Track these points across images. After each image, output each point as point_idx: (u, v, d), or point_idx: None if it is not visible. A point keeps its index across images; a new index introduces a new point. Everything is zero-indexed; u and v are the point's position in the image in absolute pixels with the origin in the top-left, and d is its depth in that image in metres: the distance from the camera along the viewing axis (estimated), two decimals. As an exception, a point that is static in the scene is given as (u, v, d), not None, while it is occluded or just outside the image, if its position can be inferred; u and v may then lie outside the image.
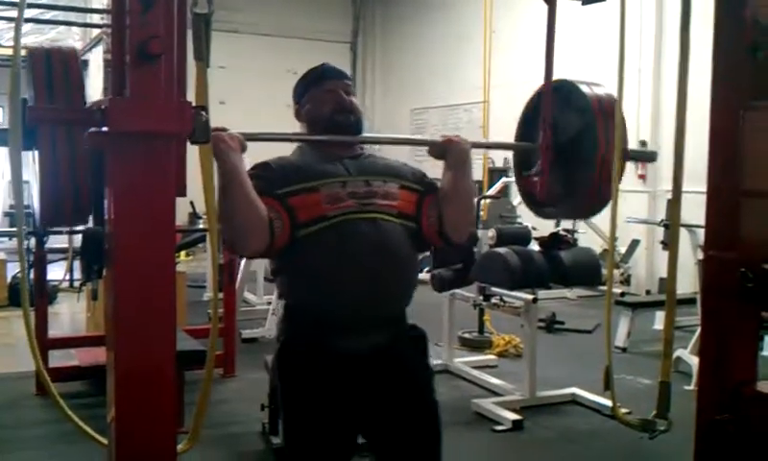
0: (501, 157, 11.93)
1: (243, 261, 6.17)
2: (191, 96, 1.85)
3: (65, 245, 6.90)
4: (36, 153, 2.04)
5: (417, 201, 2.38)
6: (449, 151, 2.46)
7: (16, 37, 1.72)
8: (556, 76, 3.08)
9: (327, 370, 2.25)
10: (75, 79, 2.04)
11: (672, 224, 2.76)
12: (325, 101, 2.41)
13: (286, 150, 2.49)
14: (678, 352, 5.77)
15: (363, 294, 2.22)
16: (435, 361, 6.18)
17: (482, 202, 6.86)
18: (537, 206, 3.04)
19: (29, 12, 8.02)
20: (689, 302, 6.09)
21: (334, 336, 2.25)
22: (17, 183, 1.88)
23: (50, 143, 1.91)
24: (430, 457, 2.41)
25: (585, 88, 2.81)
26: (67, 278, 8.11)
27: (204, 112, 1.73)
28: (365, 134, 2.49)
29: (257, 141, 2.36)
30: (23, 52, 1.92)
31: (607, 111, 2.72)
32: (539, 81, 3.14)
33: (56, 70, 2.08)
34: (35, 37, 11.72)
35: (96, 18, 10.25)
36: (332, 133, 2.38)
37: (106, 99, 1.74)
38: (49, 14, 11.09)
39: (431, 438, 2.41)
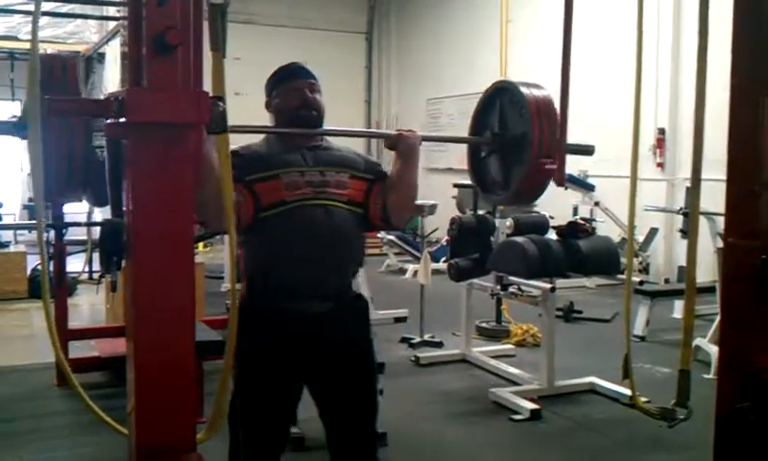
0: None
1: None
2: (207, 86, 1.87)
3: (84, 237, 6.95)
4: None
5: (365, 189, 2.73)
6: (399, 144, 2.77)
7: (34, 31, 1.73)
8: (573, 64, 3.07)
9: (276, 326, 2.59)
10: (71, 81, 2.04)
11: (692, 212, 2.75)
12: (292, 97, 2.71)
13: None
14: (697, 341, 5.73)
15: (312, 267, 2.58)
16: (453, 351, 6.20)
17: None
18: (486, 191, 3.37)
19: (45, 6, 8.04)
20: (709, 290, 6.04)
21: (285, 300, 2.58)
22: (38, 174, 1.89)
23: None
24: (365, 408, 2.74)
25: (524, 90, 3.04)
26: (86, 270, 8.17)
27: (220, 102, 1.75)
28: (325, 128, 2.76)
29: (242, 132, 2.60)
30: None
31: (542, 112, 2.97)
32: (555, 68, 3.13)
33: (55, 73, 2.09)
34: (51, 31, 11.79)
35: (112, 11, 10.29)
36: (296, 125, 2.70)
37: (123, 90, 1.75)
38: (66, 8, 11.13)
39: (367, 392, 2.74)
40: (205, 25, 1.87)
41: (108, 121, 1.70)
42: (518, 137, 3.05)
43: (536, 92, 3.02)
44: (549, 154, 2.92)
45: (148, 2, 1.60)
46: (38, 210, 1.94)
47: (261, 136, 2.80)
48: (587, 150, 3.19)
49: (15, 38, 12.12)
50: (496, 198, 3.38)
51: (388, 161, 2.90)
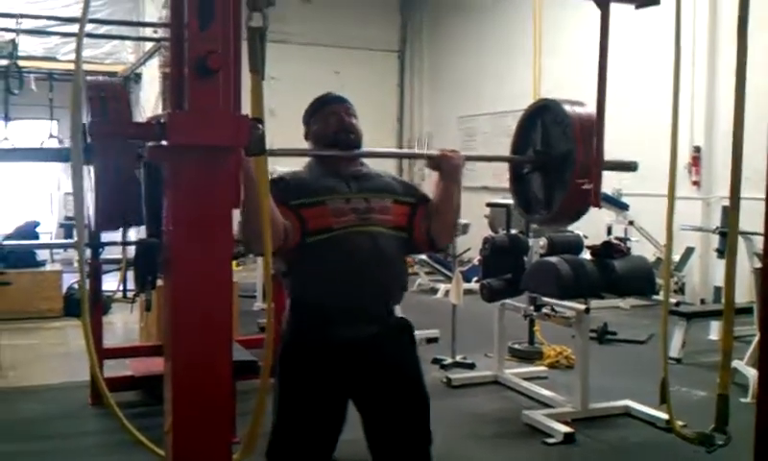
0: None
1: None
2: (245, 107, 1.90)
3: (119, 256, 7.02)
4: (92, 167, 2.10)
5: (409, 213, 2.78)
6: (443, 164, 2.81)
7: (78, 53, 1.75)
8: (609, 81, 3.05)
9: (322, 354, 2.61)
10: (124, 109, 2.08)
11: (730, 233, 2.71)
12: (329, 122, 2.76)
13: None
14: (734, 364, 5.63)
15: (357, 293, 2.61)
16: (485, 372, 6.15)
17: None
18: (528, 212, 3.37)
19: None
20: (746, 311, 5.95)
21: (331, 327, 2.61)
22: (79, 195, 1.92)
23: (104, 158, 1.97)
24: (418, 427, 2.74)
25: (567, 108, 3.03)
26: (121, 288, 8.24)
27: (260, 125, 1.77)
28: (364, 149, 2.81)
29: (281, 156, 2.69)
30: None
31: (586, 130, 2.98)
32: (590, 84, 3.11)
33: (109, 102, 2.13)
34: (89, 51, 12.01)
35: (149, 32, 10.46)
36: (334, 150, 2.74)
37: (164, 113, 1.77)
38: (103, 29, 11.34)
39: (419, 410, 2.74)
40: (244, 46, 1.89)
41: (150, 144, 1.72)
42: (562, 156, 3.04)
43: (579, 110, 3.01)
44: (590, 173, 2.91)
45: (190, 26, 1.62)
46: (79, 230, 1.97)
47: (302, 162, 2.87)
48: (628, 166, 3.18)
49: (54, 59, 12.37)
50: (537, 218, 3.37)
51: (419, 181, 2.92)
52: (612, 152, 3.09)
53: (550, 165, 3.12)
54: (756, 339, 5.69)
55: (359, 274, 2.60)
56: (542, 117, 3.20)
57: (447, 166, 2.80)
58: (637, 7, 3.05)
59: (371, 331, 2.66)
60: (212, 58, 1.60)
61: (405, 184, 2.91)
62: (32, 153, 4.10)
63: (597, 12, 2.95)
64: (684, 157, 9.37)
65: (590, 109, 3.03)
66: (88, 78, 2.25)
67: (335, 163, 2.77)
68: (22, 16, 7.83)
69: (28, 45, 10.92)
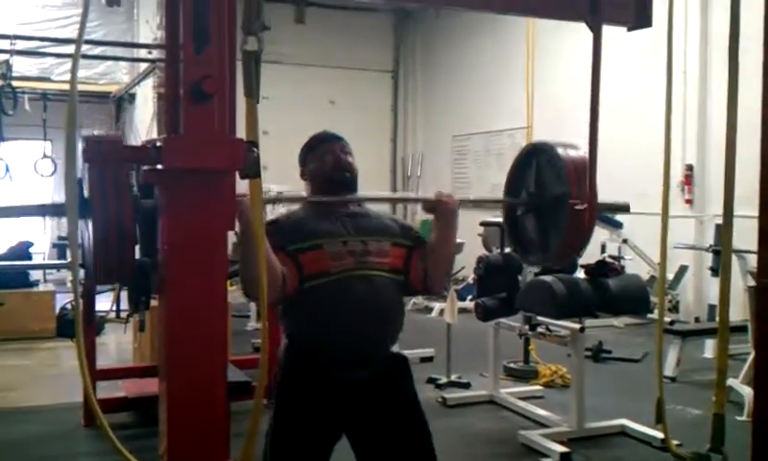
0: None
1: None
2: (240, 128, 1.90)
3: (113, 276, 6.99)
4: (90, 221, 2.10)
5: (406, 255, 2.77)
6: (438, 209, 2.82)
7: (73, 74, 1.75)
8: (601, 100, 3.07)
9: (319, 391, 2.62)
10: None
11: (723, 252, 2.71)
12: (325, 160, 2.77)
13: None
14: (729, 382, 5.62)
15: (354, 338, 2.61)
16: (480, 391, 6.14)
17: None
18: (525, 252, 3.40)
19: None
20: (740, 329, 5.95)
21: (328, 368, 2.62)
22: (72, 217, 1.91)
23: (101, 209, 1.96)
24: (424, 455, 2.74)
25: (560, 151, 3.09)
26: (114, 308, 8.21)
27: (255, 149, 1.77)
28: (363, 194, 2.83)
29: (278, 203, 2.83)
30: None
31: (580, 174, 3.02)
32: (582, 104, 3.13)
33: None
34: (83, 71, 12.01)
35: (143, 53, 10.47)
36: (331, 188, 2.74)
37: (160, 137, 1.77)
38: (97, 49, 11.36)
39: (421, 441, 2.74)
40: (238, 66, 1.90)
41: (146, 167, 1.73)
42: (556, 198, 3.07)
43: (572, 153, 3.05)
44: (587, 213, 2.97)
45: (185, 50, 1.63)
46: (73, 252, 1.96)
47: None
48: (622, 207, 3.23)
49: (48, 80, 12.38)
50: (535, 259, 3.41)
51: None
52: (604, 169, 3.11)
53: (544, 207, 3.16)
54: (751, 357, 5.70)
55: (356, 320, 2.60)
56: (536, 159, 3.24)
57: (443, 211, 2.81)
58: (630, 29, 3.07)
59: (367, 374, 2.67)
60: (208, 82, 1.61)
61: (402, 226, 2.89)
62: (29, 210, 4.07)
63: (590, 35, 2.97)
64: (677, 175, 9.40)
65: (583, 152, 3.08)
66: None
67: (331, 204, 2.76)
68: (17, 38, 7.84)
69: (22, 65, 10.92)
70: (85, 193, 2.00)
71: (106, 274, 2.07)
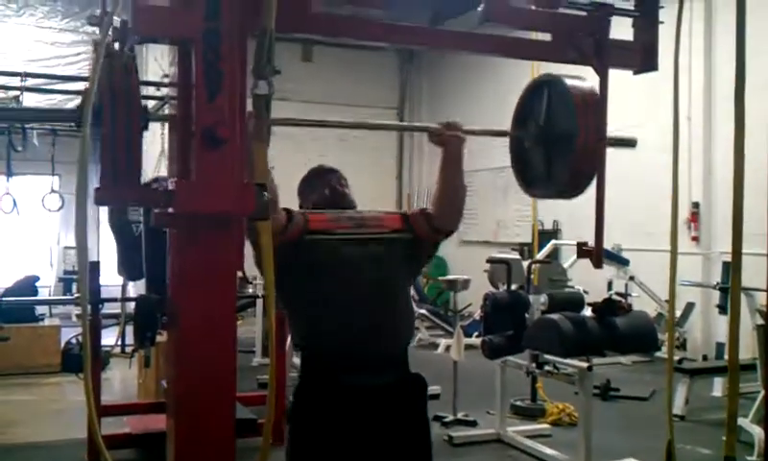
0: (551, 220, 11.86)
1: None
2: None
3: (117, 310, 6.99)
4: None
5: (401, 219, 2.87)
6: (446, 138, 2.84)
7: (85, 112, 1.77)
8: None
9: (335, 404, 2.58)
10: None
11: (732, 296, 2.69)
12: (323, 193, 2.88)
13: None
14: (739, 421, 5.56)
15: (366, 335, 2.59)
16: (487, 430, 6.09)
17: (532, 266, 6.79)
18: (529, 185, 3.27)
19: (85, 85, 8.29)
20: (749, 367, 5.91)
21: (343, 373, 2.58)
22: (83, 250, 1.91)
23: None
24: None
25: (569, 82, 2.99)
26: (119, 343, 8.19)
27: (264, 192, 1.78)
28: (369, 121, 2.90)
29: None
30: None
31: (588, 103, 2.92)
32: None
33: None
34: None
35: (152, 90, 10.56)
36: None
37: (171, 180, 1.79)
38: (106, 86, 11.44)
39: None
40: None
41: (157, 211, 1.73)
42: (564, 129, 2.99)
43: (580, 85, 2.98)
44: (594, 147, 2.88)
45: (197, 96, 1.64)
46: (83, 287, 1.96)
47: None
48: (628, 142, 3.19)
49: (57, 116, 12.46)
50: (539, 191, 3.33)
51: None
52: (612, 205, 3.11)
53: (551, 139, 3.07)
54: (761, 396, 5.66)
55: (368, 317, 2.60)
56: (545, 91, 3.15)
57: (452, 140, 2.84)
58: (636, 73, 3.08)
59: (385, 380, 2.64)
60: (220, 128, 1.62)
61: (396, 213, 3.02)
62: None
63: (596, 75, 2.98)
64: (684, 212, 9.41)
65: (592, 84, 2.97)
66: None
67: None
68: (27, 75, 7.93)
69: (31, 101, 11.02)
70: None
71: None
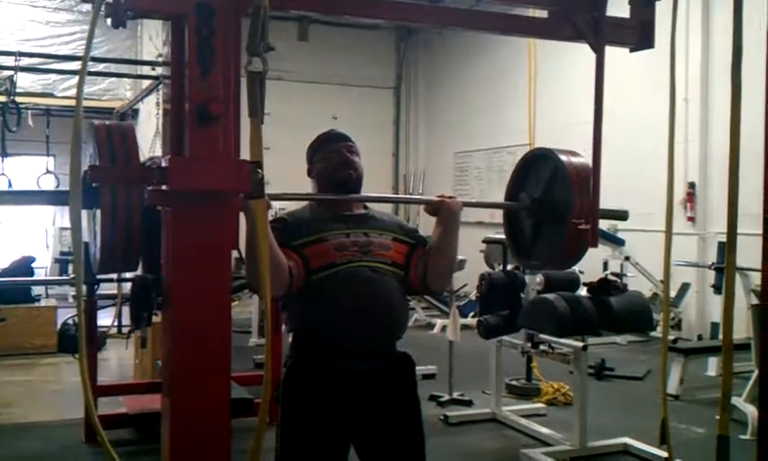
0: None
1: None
2: (243, 141, 1.90)
3: (114, 291, 6.99)
4: (98, 211, 2.11)
5: (407, 252, 2.79)
6: (441, 210, 2.83)
7: (79, 91, 1.76)
8: (604, 120, 3.07)
9: (326, 385, 2.61)
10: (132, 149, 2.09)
11: (726, 277, 2.69)
12: (331, 159, 2.79)
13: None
14: (733, 400, 5.60)
15: (359, 326, 2.61)
16: (483, 409, 6.11)
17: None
18: (524, 258, 3.40)
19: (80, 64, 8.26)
20: (743, 347, 5.93)
21: (335, 359, 2.61)
22: (77, 232, 1.91)
23: (109, 203, 1.98)
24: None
25: (563, 157, 3.10)
26: (116, 324, 8.20)
27: (259, 170, 1.77)
28: (367, 194, 2.86)
29: (282, 200, 2.78)
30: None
31: (582, 181, 3.03)
32: (585, 123, 3.13)
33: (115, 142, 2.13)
34: (87, 87, 12.01)
35: (147, 69, 10.51)
36: (336, 187, 2.77)
37: (165, 157, 1.78)
38: (101, 66, 11.40)
39: (414, 447, 2.76)
40: (243, 86, 1.89)
41: (150, 188, 1.72)
42: (558, 204, 3.07)
43: (574, 160, 3.05)
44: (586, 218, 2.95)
45: (191, 73, 1.63)
46: (78, 269, 1.96)
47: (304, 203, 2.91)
48: (620, 215, 3.21)
49: (52, 95, 12.42)
50: (534, 263, 3.42)
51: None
52: (606, 188, 3.11)
53: (546, 212, 3.15)
54: (755, 375, 5.68)
55: (361, 309, 2.61)
56: (538, 165, 3.25)
57: (446, 212, 2.82)
58: (632, 50, 3.08)
59: (373, 365, 2.67)
60: (213, 104, 1.61)
61: (405, 226, 2.93)
62: (32, 196, 4.12)
63: (592, 54, 2.97)
64: (679, 193, 9.41)
65: (585, 159, 3.09)
66: (95, 122, 2.25)
67: (336, 205, 2.80)
68: (21, 54, 7.88)
69: (25, 81, 10.98)
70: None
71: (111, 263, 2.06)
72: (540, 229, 3.21)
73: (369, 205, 2.92)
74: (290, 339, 2.77)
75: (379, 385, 2.68)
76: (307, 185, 2.92)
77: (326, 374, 2.62)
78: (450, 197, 2.87)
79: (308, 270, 2.59)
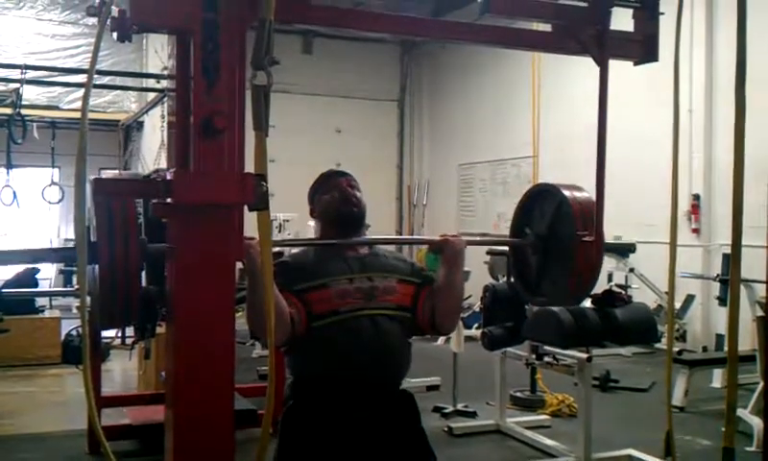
0: (550, 213, 11.85)
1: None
2: (248, 153, 1.90)
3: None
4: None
5: (413, 293, 2.73)
6: (446, 249, 2.80)
7: (85, 103, 1.77)
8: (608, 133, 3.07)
9: (325, 429, 2.56)
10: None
11: (731, 288, 2.69)
12: (333, 196, 2.76)
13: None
14: (738, 412, 5.57)
15: (361, 378, 2.58)
16: (487, 421, 6.10)
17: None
18: (533, 294, 3.41)
19: (85, 77, 8.30)
20: (748, 359, 5.92)
21: (335, 404, 2.57)
22: (82, 243, 1.91)
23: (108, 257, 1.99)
24: None
25: (566, 193, 3.11)
26: (119, 335, 8.19)
27: (263, 183, 1.77)
28: (370, 237, 2.89)
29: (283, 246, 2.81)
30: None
31: (586, 217, 3.04)
32: (589, 135, 3.13)
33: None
34: (92, 100, 12.09)
35: (151, 82, 10.56)
36: (339, 224, 2.74)
37: (170, 170, 1.78)
38: (106, 78, 11.45)
39: None
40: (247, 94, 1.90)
41: (155, 201, 1.73)
42: (563, 239, 3.08)
43: (578, 195, 3.06)
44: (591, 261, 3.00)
45: (196, 86, 1.64)
46: (82, 279, 1.97)
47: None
48: (627, 248, 3.25)
49: (57, 108, 12.48)
50: (541, 300, 3.44)
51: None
52: (611, 200, 3.11)
53: (552, 249, 3.16)
54: (760, 387, 5.67)
55: (363, 363, 2.57)
56: (542, 201, 3.25)
57: (450, 251, 2.79)
58: (636, 64, 3.08)
59: (373, 411, 2.63)
60: (218, 118, 1.62)
61: (411, 265, 2.87)
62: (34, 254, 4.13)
63: (596, 66, 2.98)
64: (684, 204, 9.40)
65: (588, 194, 3.10)
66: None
67: (339, 247, 2.76)
68: (27, 67, 7.93)
69: (31, 94, 11.03)
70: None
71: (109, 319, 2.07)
72: (546, 265, 3.21)
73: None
74: (288, 382, 2.73)
75: (380, 428, 2.63)
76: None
77: (326, 418, 2.58)
78: (454, 236, 2.85)
79: (310, 316, 2.54)
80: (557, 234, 3.14)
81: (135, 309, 2.10)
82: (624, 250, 3.24)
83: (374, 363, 2.58)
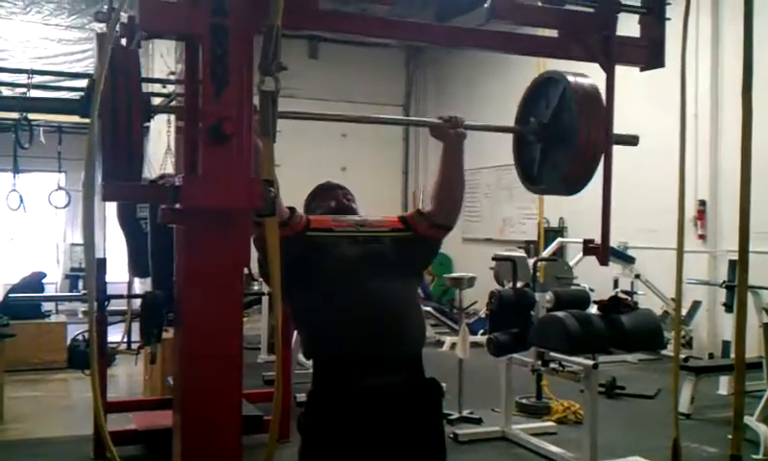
0: (556, 217, 11.83)
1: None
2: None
3: (123, 307, 7.00)
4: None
5: (400, 220, 2.87)
6: (446, 131, 2.91)
7: (93, 108, 1.77)
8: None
9: (347, 406, 2.54)
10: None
11: (738, 295, 2.69)
12: (329, 206, 2.90)
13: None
14: (745, 420, 5.55)
15: (376, 339, 2.56)
16: (492, 427, 6.09)
17: (538, 264, 6.78)
18: (532, 183, 3.30)
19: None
20: (755, 366, 5.89)
21: (356, 376, 2.54)
22: (90, 248, 1.91)
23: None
24: None
25: (571, 79, 3.02)
26: (125, 340, 8.20)
27: (271, 188, 1.77)
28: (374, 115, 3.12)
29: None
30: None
31: (591, 101, 2.95)
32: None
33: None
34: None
35: (158, 87, 10.57)
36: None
37: (179, 176, 1.79)
38: (112, 83, 11.45)
39: None
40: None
41: (164, 207, 1.74)
42: (566, 126, 3.02)
43: (582, 82, 2.99)
44: (596, 144, 2.90)
45: (204, 92, 1.65)
46: (90, 284, 1.97)
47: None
48: (630, 141, 3.22)
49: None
50: (541, 187, 3.36)
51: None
52: (617, 205, 3.11)
53: (554, 135, 3.10)
54: (767, 395, 5.65)
55: (375, 320, 2.57)
56: (548, 88, 3.18)
57: (453, 133, 2.90)
58: (643, 69, 3.08)
59: (398, 380, 2.61)
60: (226, 124, 1.62)
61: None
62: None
63: (601, 70, 2.98)
64: (690, 210, 9.38)
65: (593, 81, 3.01)
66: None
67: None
68: (33, 72, 7.95)
69: (38, 98, 11.04)
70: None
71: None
72: (548, 153, 3.16)
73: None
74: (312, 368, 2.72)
75: (402, 407, 2.61)
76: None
77: (347, 394, 2.56)
78: (454, 116, 2.97)
79: (307, 225, 2.65)
80: (560, 120, 3.08)
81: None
82: (628, 141, 3.18)
83: (386, 317, 2.60)
